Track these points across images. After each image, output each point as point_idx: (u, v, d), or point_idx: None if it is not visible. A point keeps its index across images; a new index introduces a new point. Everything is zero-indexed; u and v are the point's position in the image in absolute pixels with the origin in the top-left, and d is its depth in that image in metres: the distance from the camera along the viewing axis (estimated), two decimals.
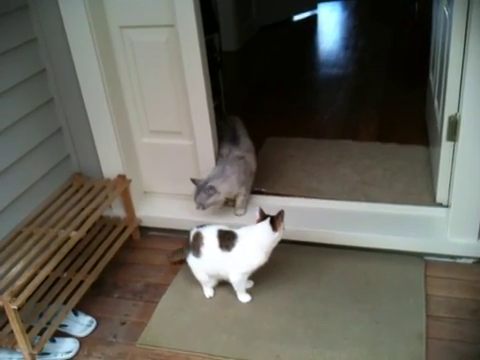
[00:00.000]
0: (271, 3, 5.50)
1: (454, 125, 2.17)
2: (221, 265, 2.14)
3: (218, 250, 2.11)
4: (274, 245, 2.11)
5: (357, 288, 2.23)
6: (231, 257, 2.10)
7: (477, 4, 1.90)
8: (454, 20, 2.06)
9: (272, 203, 2.60)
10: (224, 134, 2.63)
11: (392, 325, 2.04)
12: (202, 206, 2.42)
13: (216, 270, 2.18)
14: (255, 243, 2.09)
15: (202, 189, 2.39)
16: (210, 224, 2.20)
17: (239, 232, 2.13)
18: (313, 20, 5.95)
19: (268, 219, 2.08)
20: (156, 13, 2.30)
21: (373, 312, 2.10)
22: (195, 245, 2.16)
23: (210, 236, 2.14)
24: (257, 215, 2.12)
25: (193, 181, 2.42)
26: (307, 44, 5.36)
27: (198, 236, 2.16)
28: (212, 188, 2.38)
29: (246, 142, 2.64)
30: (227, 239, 2.11)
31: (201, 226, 2.20)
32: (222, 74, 3.50)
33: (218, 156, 2.56)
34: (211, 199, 2.40)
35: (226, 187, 2.43)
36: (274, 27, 5.62)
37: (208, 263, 2.16)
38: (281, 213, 2.07)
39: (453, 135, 2.20)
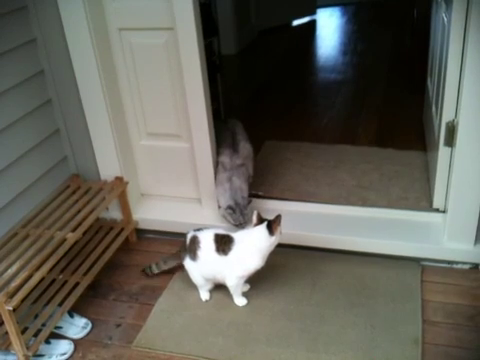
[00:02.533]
0: (270, 8, 5.52)
1: (451, 131, 2.18)
2: (218, 269, 2.14)
3: (215, 254, 2.11)
4: (271, 249, 2.11)
5: (353, 292, 2.22)
6: (228, 261, 2.10)
7: (475, 10, 1.91)
8: (452, 26, 2.07)
9: (269, 207, 2.61)
10: (223, 139, 2.61)
11: (388, 330, 2.03)
12: (246, 221, 2.41)
13: (213, 274, 2.17)
14: (252, 247, 2.09)
15: (244, 208, 2.41)
16: (207, 227, 2.20)
17: (236, 236, 2.12)
18: (312, 25, 5.97)
19: (265, 223, 2.08)
20: (155, 16, 2.30)
21: (369, 317, 2.10)
22: (192, 248, 2.16)
23: (207, 240, 2.13)
24: (254, 219, 2.12)
25: (231, 208, 2.38)
26: (306, 49, 5.37)
27: (195, 239, 2.15)
28: (248, 200, 2.44)
29: (246, 147, 2.62)
30: (224, 243, 2.11)
31: (198, 229, 2.19)
32: (221, 77, 3.50)
33: (219, 165, 2.53)
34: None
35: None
36: (273, 31, 5.64)
37: (205, 267, 2.16)
38: (278, 217, 2.07)
39: (450, 141, 2.20)
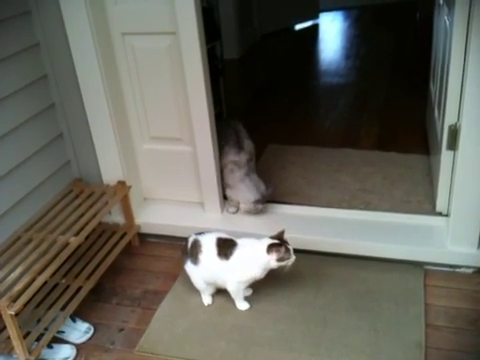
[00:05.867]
0: (273, 12, 5.53)
1: (454, 134, 2.17)
2: (219, 273, 2.13)
3: (217, 258, 2.10)
4: (269, 267, 2.08)
5: (356, 296, 2.22)
6: (229, 265, 2.09)
7: (478, 14, 1.91)
8: (455, 29, 2.07)
9: (272, 211, 2.61)
10: (228, 138, 2.66)
11: (391, 334, 2.03)
12: None
13: (214, 278, 2.17)
14: (252, 255, 2.08)
15: (265, 198, 2.57)
16: (209, 231, 2.20)
17: (240, 241, 2.12)
18: (315, 29, 5.98)
19: (270, 242, 2.06)
20: (158, 20, 2.31)
21: (372, 320, 2.09)
22: (193, 252, 2.15)
23: (209, 244, 2.13)
24: (275, 233, 2.11)
25: (259, 201, 2.54)
26: (308, 53, 5.38)
27: (196, 243, 2.15)
28: (270, 189, 2.60)
29: (249, 144, 2.70)
30: (226, 247, 2.10)
31: (199, 233, 2.19)
32: (223, 81, 3.51)
33: (231, 165, 2.59)
34: None
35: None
36: (275, 36, 5.65)
37: (206, 271, 2.15)
38: (279, 245, 2.04)
39: (453, 144, 2.20)
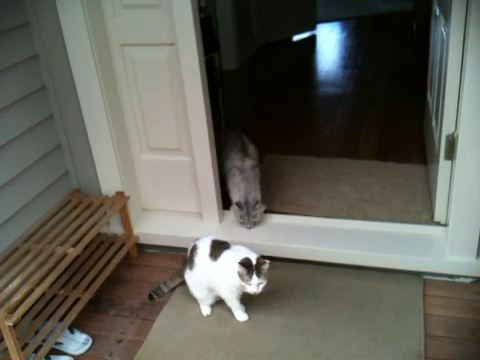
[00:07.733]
0: (271, 23, 5.56)
1: (452, 144, 2.18)
2: (210, 276, 2.11)
3: (208, 259, 2.10)
4: (239, 285, 2.03)
5: (355, 306, 2.21)
6: (217, 267, 2.08)
7: (474, 23, 1.92)
8: (451, 39, 2.08)
9: (270, 220, 2.61)
10: (233, 144, 2.71)
11: (390, 344, 2.02)
12: (254, 224, 2.57)
13: (207, 281, 2.14)
14: (234, 262, 2.01)
15: (251, 209, 2.53)
16: (209, 236, 2.20)
17: (233, 246, 2.12)
18: (312, 40, 6.01)
19: (250, 257, 1.99)
20: (157, 31, 2.32)
21: (371, 331, 2.09)
22: (191, 257, 2.16)
23: (204, 246, 2.14)
24: (263, 258, 2.03)
25: (238, 204, 2.54)
26: (306, 63, 5.40)
27: (194, 248, 2.17)
28: (260, 203, 2.55)
29: (254, 150, 2.76)
30: (218, 249, 2.10)
31: (199, 239, 2.20)
32: (222, 92, 3.52)
33: (234, 169, 2.64)
34: (259, 214, 2.56)
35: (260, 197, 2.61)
36: (274, 47, 5.67)
37: (199, 273, 2.14)
38: (248, 267, 1.97)
39: (451, 154, 2.20)
